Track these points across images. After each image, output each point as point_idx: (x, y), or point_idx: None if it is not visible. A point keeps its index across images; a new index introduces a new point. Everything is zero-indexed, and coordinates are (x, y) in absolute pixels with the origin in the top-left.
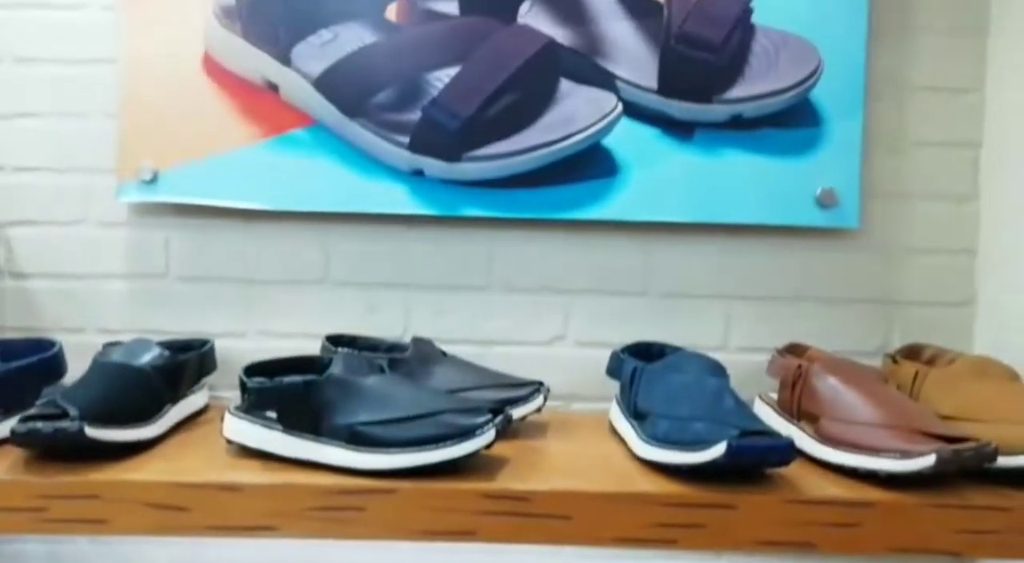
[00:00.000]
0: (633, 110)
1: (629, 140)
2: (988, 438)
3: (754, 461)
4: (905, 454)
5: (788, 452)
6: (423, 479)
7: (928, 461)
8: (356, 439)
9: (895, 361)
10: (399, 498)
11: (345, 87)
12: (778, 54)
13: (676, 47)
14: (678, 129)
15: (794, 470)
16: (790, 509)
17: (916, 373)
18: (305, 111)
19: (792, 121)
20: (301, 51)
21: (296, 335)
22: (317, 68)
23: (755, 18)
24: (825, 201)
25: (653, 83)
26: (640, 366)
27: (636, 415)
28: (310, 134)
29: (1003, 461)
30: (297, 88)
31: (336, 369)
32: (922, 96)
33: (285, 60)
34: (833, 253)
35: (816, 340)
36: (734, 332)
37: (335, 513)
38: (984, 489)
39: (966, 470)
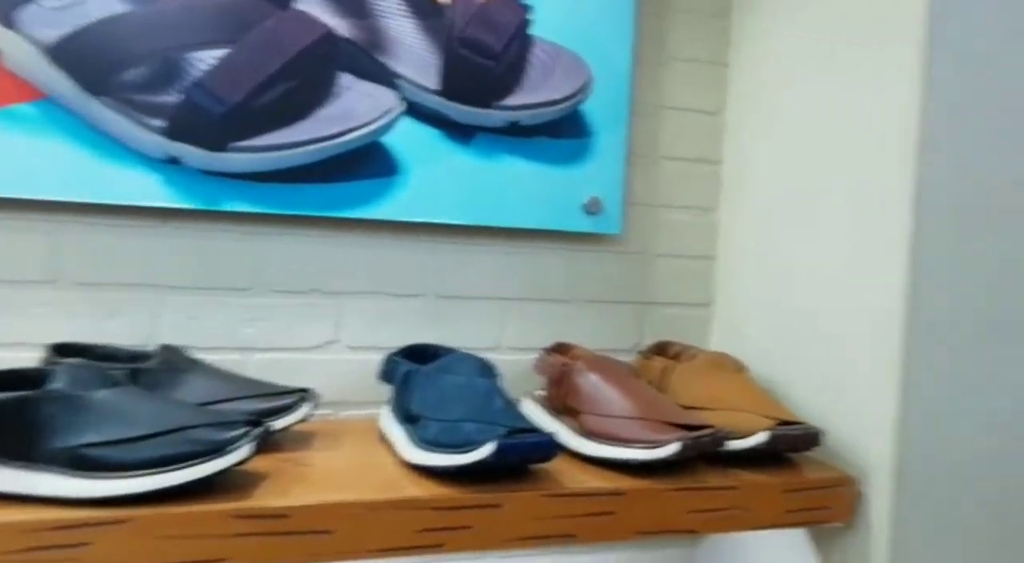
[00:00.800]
0: (415, 110)
1: (410, 140)
2: (720, 424)
3: (520, 458)
4: (654, 444)
5: (551, 448)
6: (165, 504)
7: (673, 449)
8: (79, 464)
9: (647, 357)
10: (133, 528)
11: (88, 59)
12: (553, 66)
13: (458, 50)
14: (458, 132)
15: (558, 465)
16: (551, 504)
17: (664, 368)
18: (33, 83)
19: (564, 131)
20: (31, 13)
21: (17, 344)
22: (51, 35)
23: (533, 30)
24: (592, 208)
25: (435, 84)
26: (413, 369)
27: (408, 419)
28: (39, 110)
29: (731, 445)
30: (23, 55)
31: (58, 382)
32: (675, 116)
33: (6, 22)
34: (598, 257)
35: (582, 339)
36: (508, 333)
37: (53, 553)
38: (715, 470)
39: (704, 454)
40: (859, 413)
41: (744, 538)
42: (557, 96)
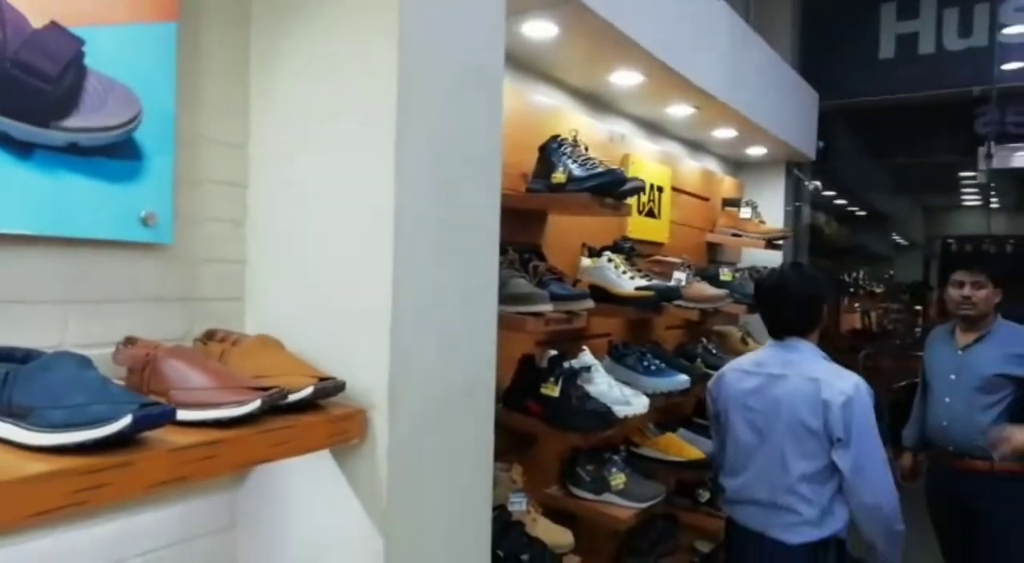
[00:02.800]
0: None
1: None
2: (281, 385)
3: (150, 425)
4: (240, 403)
5: (173, 415)
6: None
7: (256, 404)
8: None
9: (204, 343)
10: None
11: None
12: (107, 96)
13: (12, 71)
14: (18, 147)
15: (161, 433)
16: (171, 457)
17: (223, 350)
18: None
19: (121, 154)
20: None
21: None
22: None
23: (88, 62)
24: (148, 222)
25: None
26: (14, 368)
27: (12, 414)
28: None
29: (291, 398)
30: None
31: None
32: (210, 146)
33: None
34: (154, 263)
35: (143, 333)
36: (71, 332)
37: None
38: (279, 417)
39: (276, 406)
40: (363, 366)
41: (273, 474)
42: (112, 122)
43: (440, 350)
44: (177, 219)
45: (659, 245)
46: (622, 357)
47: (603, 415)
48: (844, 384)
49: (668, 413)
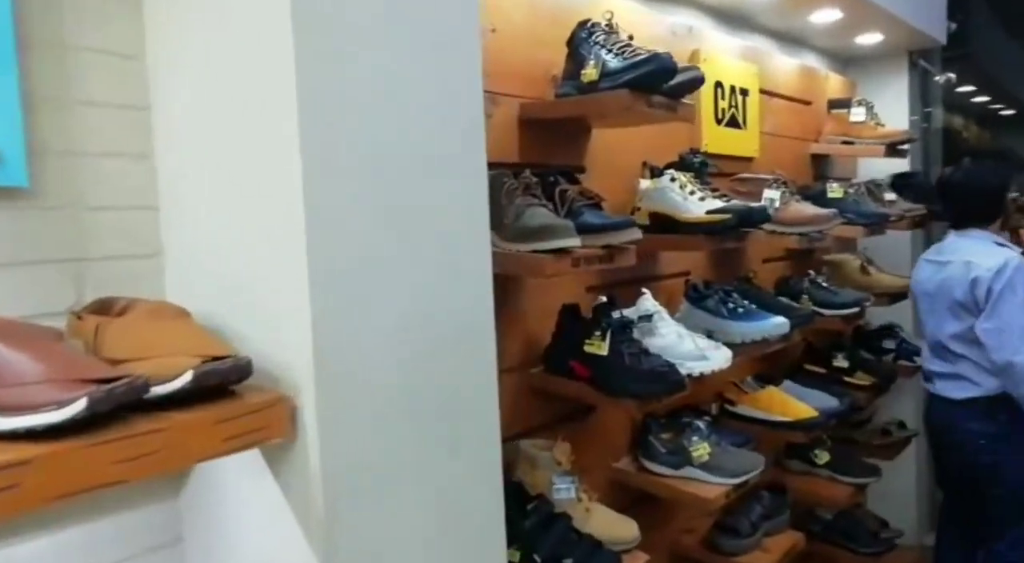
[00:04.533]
0: None
1: None
2: (147, 372)
3: None
4: (60, 404)
5: None
6: None
7: (80, 405)
8: None
9: (79, 318)
10: None
11: None
12: None
13: None
14: None
15: None
16: None
17: (97, 326)
18: None
19: None
20: None
21: None
22: None
23: None
24: None
25: None
26: None
27: None
28: None
29: (156, 390)
30: None
31: None
32: (86, 57)
33: None
34: (4, 214)
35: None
36: None
37: None
38: (147, 417)
39: (126, 405)
40: (287, 340)
41: (215, 475)
42: None
43: (398, 309)
44: (34, 155)
45: (747, 160)
46: (701, 299)
47: (664, 375)
48: (993, 261)
49: (772, 361)
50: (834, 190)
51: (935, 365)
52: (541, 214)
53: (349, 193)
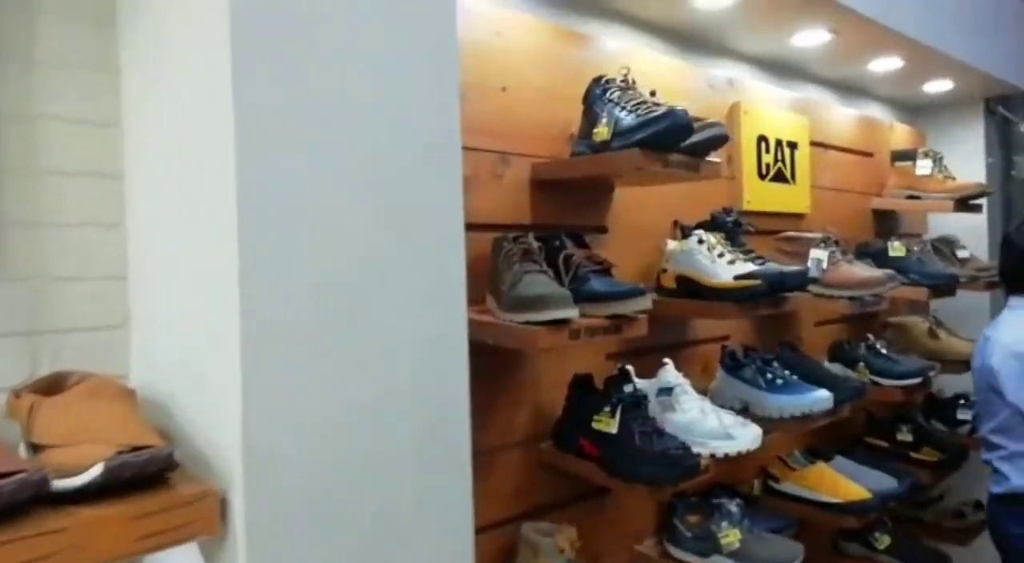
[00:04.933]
0: None
1: None
2: (59, 462)
3: None
4: None
5: None
6: None
7: None
8: None
9: (18, 396)
10: None
11: None
12: None
13: None
14: None
15: None
16: None
17: (32, 406)
18: None
19: None
20: None
21: None
22: None
23: None
24: None
25: None
26: None
27: None
28: None
29: (63, 483)
30: None
31: None
32: (56, 126)
33: None
34: None
35: None
36: None
37: None
38: (50, 513)
39: (26, 501)
40: (220, 426)
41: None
42: None
43: (350, 399)
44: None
45: (797, 217)
46: (738, 368)
47: (677, 460)
48: (1007, 337)
49: (826, 434)
50: (896, 248)
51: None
52: (538, 282)
53: (290, 274)
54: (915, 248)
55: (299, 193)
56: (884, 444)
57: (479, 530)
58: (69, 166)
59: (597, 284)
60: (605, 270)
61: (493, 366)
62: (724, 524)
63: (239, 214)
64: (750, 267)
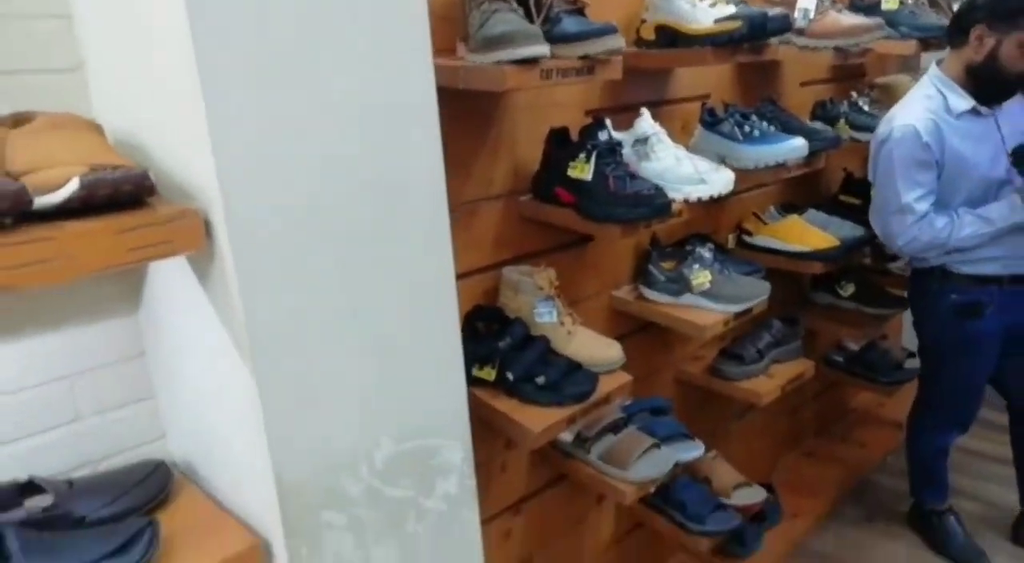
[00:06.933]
0: None
1: None
2: (38, 182)
3: None
4: None
5: None
6: None
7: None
8: None
9: None
10: None
11: None
12: None
13: None
14: None
15: None
16: None
17: (4, 138)
18: None
19: None
20: None
21: None
22: None
23: None
24: None
25: None
26: None
27: None
28: None
29: (43, 199)
30: None
31: None
32: None
33: None
34: None
35: None
36: None
37: None
38: (37, 226)
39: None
40: (195, 154)
41: (165, 289)
42: None
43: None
44: None
45: None
46: (716, 124)
47: (649, 199)
48: (883, 127)
49: (801, 192)
50: (889, 1)
51: None
52: (506, 20)
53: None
54: (908, 1)
55: None
56: (857, 202)
57: (462, 275)
58: None
59: (569, 24)
60: (579, 10)
61: (469, 116)
62: (696, 267)
63: None
64: (731, 10)
